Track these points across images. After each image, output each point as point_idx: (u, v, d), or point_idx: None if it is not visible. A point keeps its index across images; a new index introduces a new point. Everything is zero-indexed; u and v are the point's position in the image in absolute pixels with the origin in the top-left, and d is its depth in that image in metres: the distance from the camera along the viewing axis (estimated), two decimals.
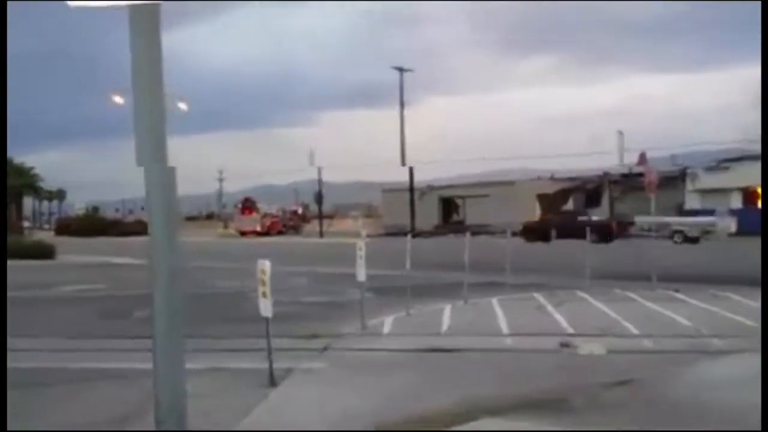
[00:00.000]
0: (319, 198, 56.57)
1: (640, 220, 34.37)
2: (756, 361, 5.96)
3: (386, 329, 9.51)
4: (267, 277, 6.49)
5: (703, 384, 6.30)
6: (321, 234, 52.88)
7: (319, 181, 56.30)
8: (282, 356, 7.11)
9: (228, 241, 50.89)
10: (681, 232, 31.92)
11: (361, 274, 9.63)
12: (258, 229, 57.27)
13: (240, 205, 62.79)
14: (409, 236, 12.78)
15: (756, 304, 9.62)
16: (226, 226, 66.49)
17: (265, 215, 60.58)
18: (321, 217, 57.33)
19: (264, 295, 6.52)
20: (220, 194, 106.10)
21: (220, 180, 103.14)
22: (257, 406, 5.76)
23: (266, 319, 6.48)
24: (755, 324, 8.58)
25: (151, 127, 2.61)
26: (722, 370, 6.83)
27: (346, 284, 12.68)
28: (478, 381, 6.55)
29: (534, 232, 36.33)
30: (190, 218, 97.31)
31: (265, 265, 6.51)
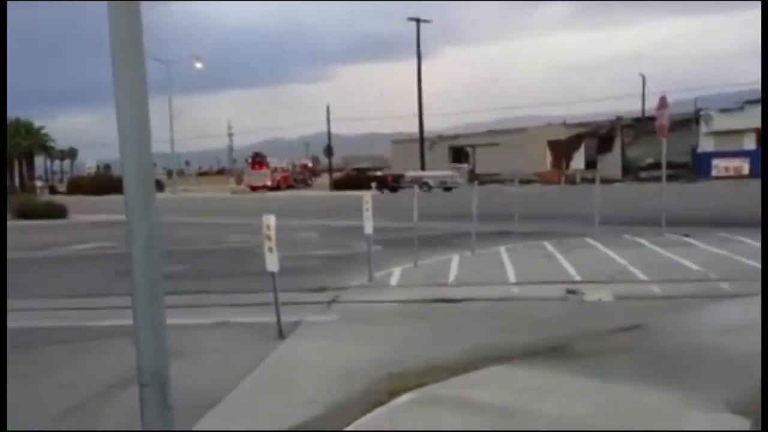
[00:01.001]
0: (328, 151, 56.38)
1: (407, 174, 46.12)
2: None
3: (394, 281, 9.55)
4: (272, 232, 6.50)
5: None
6: (331, 187, 52.86)
7: (329, 134, 56.02)
8: (290, 310, 7.18)
9: (239, 196, 51.06)
10: (427, 183, 42.81)
11: (368, 227, 9.62)
12: (268, 183, 57.36)
13: (250, 160, 62.73)
14: (416, 187, 12.69)
15: None
16: (239, 182, 66.55)
17: (275, 170, 60.56)
18: (331, 170, 57.23)
19: (270, 250, 6.54)
20: (230, 149, 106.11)
21: (230, 135, 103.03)
22: (265, 359, 5.84)
23: (272, 274, 6.51)
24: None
25: (132, 92, 2.56)
26: None
27: (355, 237, 12.71)
28: (484, 330, 6.58)
29: (344, 185, 49.93)
30: (202, 174, 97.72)
31: (270, 219, 6.50)
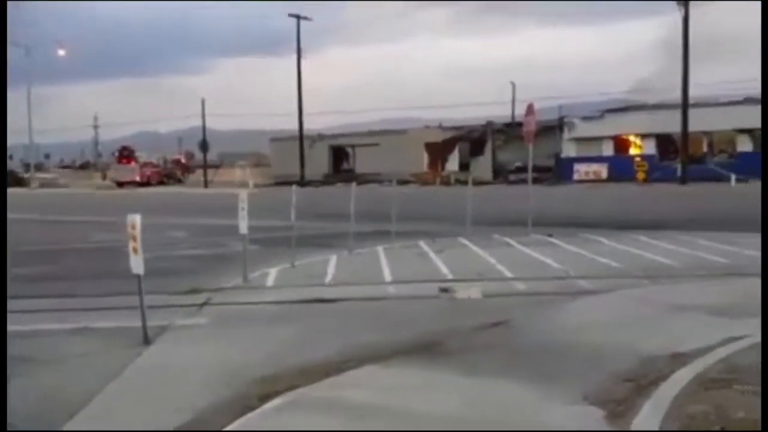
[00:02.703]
0: (203, 146, 54.55)
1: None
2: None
3: (270, 281, 9.39)
4: (137, 232, 6.18)
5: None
6: (206, 184, 51.29)
7: (204, 129, 54.24)
8: (158, 313, 6.86)
9: (104, 192, 48.26)
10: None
11: (243, 227, 9.39)
12: (136, 179, 54.68)
13: (117, 154, 59.58)
14: (294, 186, 12.57)
15: None
16: (104, 177, 62.89)
17: (144, 164, 57.84)
18: (206, 166, 55.43)
19: (135, 251, 6.21)
20: (95, 142, 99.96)
21: (95, 127, 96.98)
22: (129, 365, 5.53)
23: (138, 276, 6.18)
24: None
25: None
26: None
27: (230, 236, 12.36)
28: (359, 330, 6.61)
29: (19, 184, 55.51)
30: (65, 167, 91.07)
31: (136, 219, 6.18)
